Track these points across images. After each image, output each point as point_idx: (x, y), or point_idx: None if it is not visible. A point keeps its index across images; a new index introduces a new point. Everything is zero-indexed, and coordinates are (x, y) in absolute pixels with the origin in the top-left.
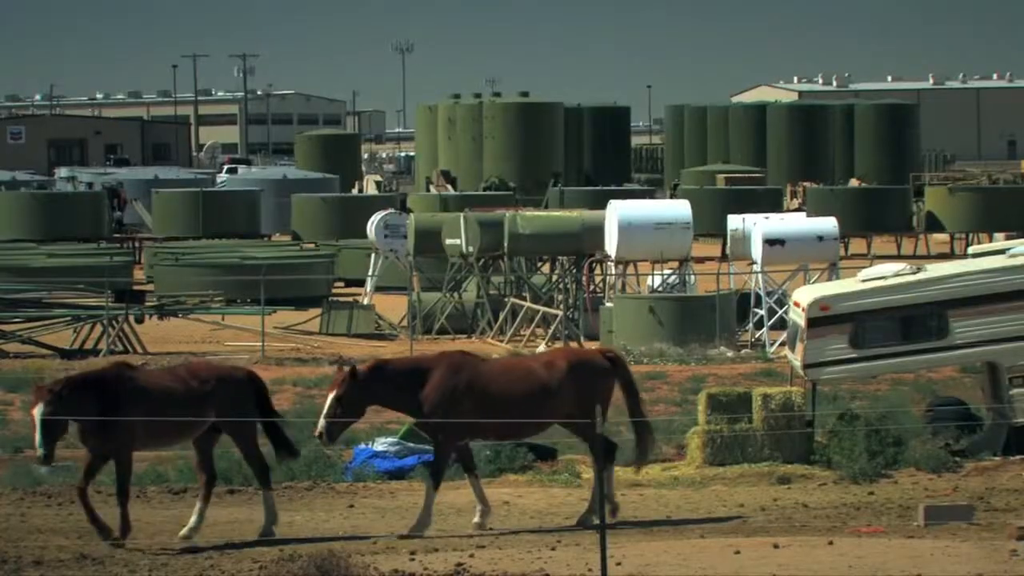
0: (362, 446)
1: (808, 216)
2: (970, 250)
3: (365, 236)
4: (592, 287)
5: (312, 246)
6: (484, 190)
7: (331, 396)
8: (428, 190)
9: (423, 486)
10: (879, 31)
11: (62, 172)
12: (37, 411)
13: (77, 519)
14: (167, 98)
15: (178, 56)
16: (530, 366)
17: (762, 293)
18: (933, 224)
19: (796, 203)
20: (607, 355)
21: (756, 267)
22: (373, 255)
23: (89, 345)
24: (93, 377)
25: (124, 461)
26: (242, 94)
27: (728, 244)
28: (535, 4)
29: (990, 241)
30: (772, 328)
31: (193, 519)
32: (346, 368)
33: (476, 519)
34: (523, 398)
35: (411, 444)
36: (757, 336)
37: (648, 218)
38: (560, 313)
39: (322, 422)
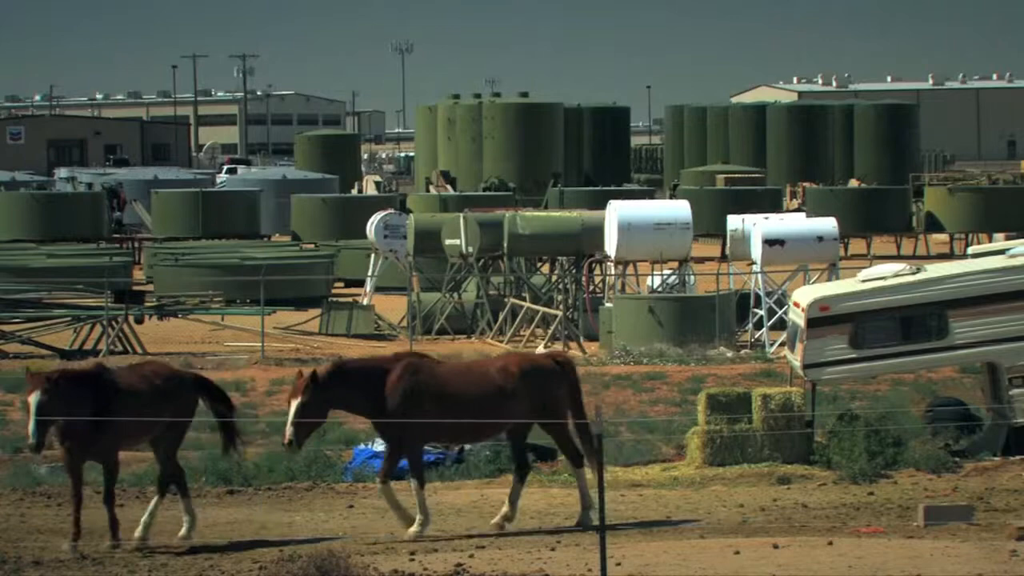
0: (362, 446)
1: (808, 216)
2: (970, 250)
3: (365, 236)
4: (592, 287)
5: (312, 246)
6: (484, 190)
7: (295, 403)
8: (428, 190)
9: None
10: (879, 31)
11: (62, 172)
12: (33, 398)
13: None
14: (167, 98)
15: (178, 56)
16: (485, 369)
17: (762, 293)
18: (933, 224)
19: (796, 203)
20: (557, 359)
21: (756, 267)
22: (373, 255)
23: (89, 346)
24: (87, 375)
25: (114, 463)
26: (242, 94)
27: (728, 244)
28: (535, 4)
29: (990, 241)
30: (772, 328)
31: (186, 518)
32: (306, 373)
33: (414, 528)
34: (480, 400)
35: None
36: (757, 336)
37: (648, 218)
38: (560, 313)
39: (289, 429)
